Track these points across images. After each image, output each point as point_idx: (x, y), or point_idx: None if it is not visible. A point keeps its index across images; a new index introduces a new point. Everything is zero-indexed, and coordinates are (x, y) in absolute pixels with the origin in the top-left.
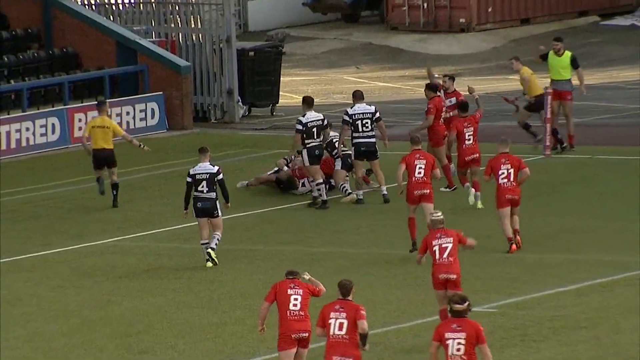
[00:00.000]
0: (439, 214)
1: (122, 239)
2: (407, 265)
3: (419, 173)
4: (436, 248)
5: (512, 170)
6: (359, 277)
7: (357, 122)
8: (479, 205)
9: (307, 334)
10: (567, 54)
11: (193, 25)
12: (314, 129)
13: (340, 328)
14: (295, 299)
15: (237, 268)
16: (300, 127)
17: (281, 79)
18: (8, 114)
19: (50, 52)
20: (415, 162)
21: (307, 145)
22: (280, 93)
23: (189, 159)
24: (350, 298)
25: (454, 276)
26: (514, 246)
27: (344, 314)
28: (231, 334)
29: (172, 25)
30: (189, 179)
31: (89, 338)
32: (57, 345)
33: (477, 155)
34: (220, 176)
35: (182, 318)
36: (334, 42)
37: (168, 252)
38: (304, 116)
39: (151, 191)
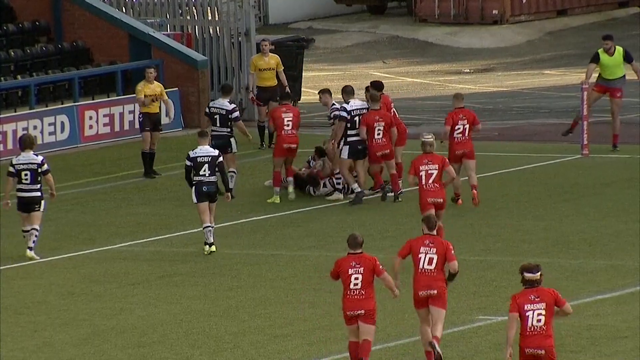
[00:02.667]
0: (430, 136)
1: (135, 243)
2: None
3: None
4: (422, 173)
5: (467, 126)
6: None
7: (355, 119)
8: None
9: (435, 291)
10: (619, 50)
11: (210, 18)
12: (357, 119)
13: (430, 263)
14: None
15: (256, 274)
16: (345, 114)
17: (303, 74)
18: (15, 112)
19: (60, 46)
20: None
21: (349, 139)
22: (303, 89)
23: None
24: (434, 233)
25: (440, 200)
26: (459, 201)
27: (434, 249)
28: (250, 344)
29: (188, 17)
30: (188, 163)
31: (100, 348)
32: (66, 356)
33: (389, 150)
34: (221, 159)
35: (198, 327)
36: (359, 35)
37: (183, 257)
38: (348, 103)
39: (166, 193)
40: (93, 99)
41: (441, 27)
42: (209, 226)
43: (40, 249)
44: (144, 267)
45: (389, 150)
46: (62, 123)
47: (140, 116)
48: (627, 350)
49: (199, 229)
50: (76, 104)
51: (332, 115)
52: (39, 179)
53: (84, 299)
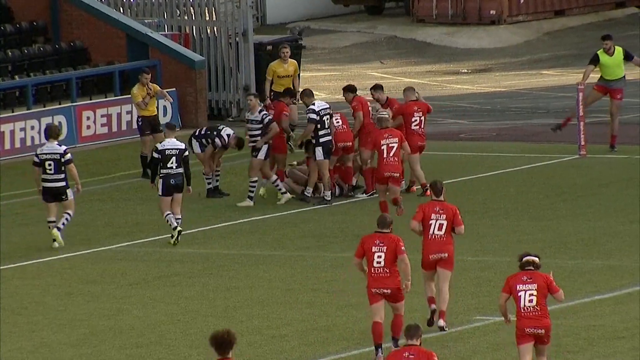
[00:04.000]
0: (385, 112)
1: (132, 244)
2: None
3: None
4: (384, 147)
5: (423, 118)
6: None
7: (324, 119)
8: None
9: (446, 254)
10: (619, 49)
11: (208, 18)
12: (325, 118)
13: (440, 229)
14: None
15: (254, 275)
16: (315, 116)
17: (301, 74)
18: (12, 112)
19: (57, 46)
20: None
21: (321, 139)
22: (300, 89)
23: None
24: (442, 198)
25: (397, 174)
26: (428, 192)
27: (444, 216)
28: (248, 345)
29: (186, 17)
30: (156, 155)
31: (98, 349)
32: (64, 357)
33: (350, 143)
34: (187, 152)
35: (196, 328)
36: (357, 35)
37: (181, 257)
38: (314, 104)
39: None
40: (90, 99)
41: (439, 27)
42: (170, 213)
43: (38, 250)
44: (141, 267)
45: (350, 142)
46: (60, 123)
47: (139, 120)
48: (625, 351)
49: (196, 230)
50: (74, 104)
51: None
52: (63, 168)
53: (82, 299)
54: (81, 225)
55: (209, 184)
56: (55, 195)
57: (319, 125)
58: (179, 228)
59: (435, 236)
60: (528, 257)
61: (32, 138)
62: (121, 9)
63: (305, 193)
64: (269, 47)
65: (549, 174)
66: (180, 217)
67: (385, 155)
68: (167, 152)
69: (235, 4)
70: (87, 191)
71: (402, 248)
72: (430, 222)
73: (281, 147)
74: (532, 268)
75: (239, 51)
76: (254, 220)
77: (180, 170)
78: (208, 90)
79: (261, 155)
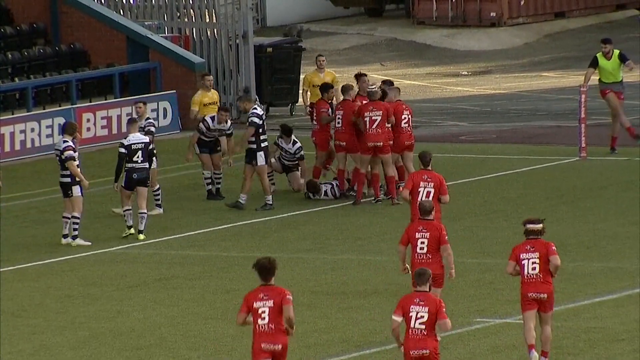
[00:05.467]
0: (374, 86)
1: (133, 246)
2: None
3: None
4: (367, 119)
5: (410, 117)
6: (383, 287)
7: (264, 124)
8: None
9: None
10: (616, 53)
11: (208, 20)
12: (265, 123)
13: (427, 196)
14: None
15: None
16: (258, 120)
17: (301, 76)
18: (12, 114)
19: (57, 48)
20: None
21: (262, 144)
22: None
23: None
24: (429, 168)
25: (380, 143)
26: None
27: (431, 184)
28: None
29: (186, 20)
30: (123, 150)
31: (98, 351)
32: (64, 359)
33: (381, 143)
34: (152, 146)
35: (196, 330)
36: (357, 37)
37: (181, 260)
38: (256, 109)
39: (164, 195)
40: (90, 102)
41: (439, 29)
42: (130, 209)
43: (37, 252)
44: (141, 269)
45: (381, 143)
46: (60, 125)
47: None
48: (625, 353)
49: (197, 232)
50: (74, 106)
51: (249, 119)
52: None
53: (82, 301)
54: (81, 227)
55: (207, 184)
56: (62, 191)
57: (260, 130)
58: (132, 230)
59: None
60: (531, 226)
61: (32, 140)
62: (121, 11)
63: (240, 200)
64: (269, 49)
65: (549, 176)
66: (145, 211)
67: (368, 127)
68: (133, 146)
69: (235, 6)
70: (87, 193)
71: (446, 237)
72: (419, 189)
73: (324, 145)
74: (536, 236)
75: (239, 53)
76: (254, 222)
77: (145, 165)
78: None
79: (261, 161)
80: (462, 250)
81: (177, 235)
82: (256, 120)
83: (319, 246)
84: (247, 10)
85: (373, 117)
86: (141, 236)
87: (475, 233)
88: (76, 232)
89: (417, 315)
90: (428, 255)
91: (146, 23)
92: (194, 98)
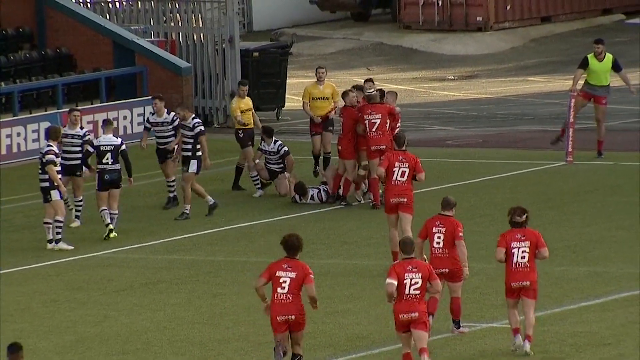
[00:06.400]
0: (372, 89)
1: (118, 250)
2: None
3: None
4: (367, 122)
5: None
6: (370, 291)
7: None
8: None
9: (405, 199)
10: (609, 57)
11: (194, 25)
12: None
13: (402, 175)
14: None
15: (240, 281)
16: (204, 129)
17: (287, 81)
18: None
19: (43, 52)
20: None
21: (198, 153)
22: (287, 96)
23: None
24: (404, 149)
25: (384, 146)
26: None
27: (406, 164)
28: (235, 351)
29: (172, 24)
30: (90, 149)
31: (84, 356)
32: None
33: (384, 146)
34: (124, 147)
35: (182, 334)
36: (343, 41)
37: (167, 264)
38: (195, 118)
39: (149, 200)
40: (77, 106)
41: (425, 33)
42: (105, 209)
43: (23, 256)
44: (127, 274)
45: (384, 146)
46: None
47: (240, 132)
48: (611, 357)
49: (182, 237)
50: (59, 110)
51: (195, 129)
52: (118, 159)
53: (68, 306)
54: (67, 231)
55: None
56: (43, 196)
57: (197, 138)
58: (111, 226)
59: (397, 182)
60: (518, 218)
61: (18, 145)
62: (107, 15)
63: (184, 211)
64: (256, 54)
65: (535, 180)
66: (116, 212)
67: (368, 130)
68: (102, 147)
69: (222, 11)
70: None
71: (460, 234)
72: (394, 169)
73: (348, 153)
74: (522, 226)
75: (226, 58)
76: (240, 227)
77: (116, 166)
78: (194, 96)
79: (193, 169)
80: None
81: (164, 240)
82: (203, 127)
83: (306, 250)
84: (233, 14)
85: (372, 120)
86: (112, 234)
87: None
88: (59, 236)
89: (411, 282)
90: (445, 250)
91: (132, 27)
92: (232, 106)
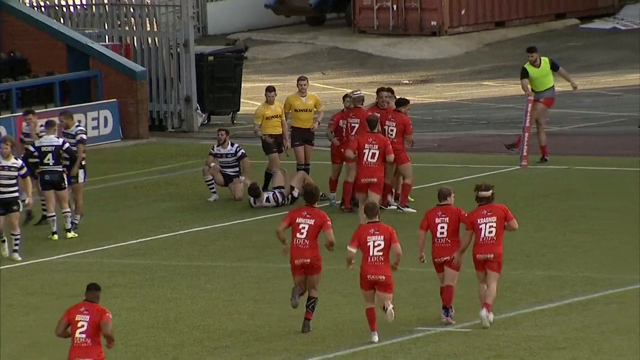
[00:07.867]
0: (359, 92)
1: (73, 255)
2: None
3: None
4: (348, 126)
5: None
6: (326, 294)
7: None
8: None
9: (375, 179)
10: (545, 60)
11: (149, 29)
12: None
13: (373, 157)
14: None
15: (195, 285)
16: (85, 137)
17: (242, 85)
18: None
19: None
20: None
21: (83, 162)
22: (242, 100)
23: (144, 169)
24: (375, 131)
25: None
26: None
27: (376, 146)
28: (190, 356)
29: (127, 28)
30: (32, 149)
31: None
32: None
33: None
34: (67, 145)
35: (136, 339)
36: (298, 46)
37: (122, 268)
38: (79, 126)
39: (104, 204)
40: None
41: (380, 38)
42: (52, 215)
43: None
44: (82, 278)
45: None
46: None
47: (265, 137)
48: None
49: (138, 240)
50: (14, 114)
51: (77, 136)
52: (61, 160)
53: (21, 311)
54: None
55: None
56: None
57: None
58: (55, 236)
59: (368, 163)
60: (484, 193)
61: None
62: (61, 19)
63: (74, 221)
64: (211, 58)
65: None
66: (68, 210)
67: (344, 134)
68: (42, 149)
69: (177, 15)
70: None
71: (466, 215)
72: (364, 151)
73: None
74: (488, 202)
75: (180, 62)
76: (195, 231)
77: (58, 167)
78: (149, 101)
79: (82, 179)
80: (404, 258)
81: (118, 244)
82: (85, 136)
83: (261, 255)
84: (188, 18)
85: (352, 124)
86: (69, 234)
87: (416, 242)
88: (17, 247)
89: (374, 244)
90: (448, 240)
91: (87, 31)
92: (256, 112)
